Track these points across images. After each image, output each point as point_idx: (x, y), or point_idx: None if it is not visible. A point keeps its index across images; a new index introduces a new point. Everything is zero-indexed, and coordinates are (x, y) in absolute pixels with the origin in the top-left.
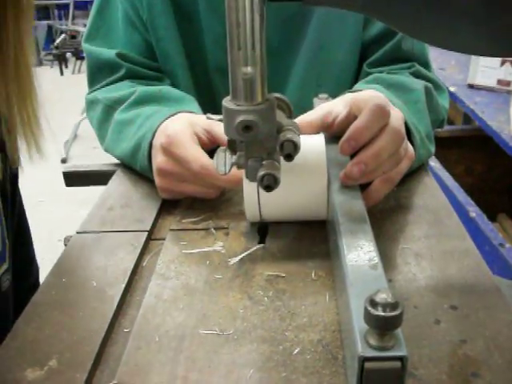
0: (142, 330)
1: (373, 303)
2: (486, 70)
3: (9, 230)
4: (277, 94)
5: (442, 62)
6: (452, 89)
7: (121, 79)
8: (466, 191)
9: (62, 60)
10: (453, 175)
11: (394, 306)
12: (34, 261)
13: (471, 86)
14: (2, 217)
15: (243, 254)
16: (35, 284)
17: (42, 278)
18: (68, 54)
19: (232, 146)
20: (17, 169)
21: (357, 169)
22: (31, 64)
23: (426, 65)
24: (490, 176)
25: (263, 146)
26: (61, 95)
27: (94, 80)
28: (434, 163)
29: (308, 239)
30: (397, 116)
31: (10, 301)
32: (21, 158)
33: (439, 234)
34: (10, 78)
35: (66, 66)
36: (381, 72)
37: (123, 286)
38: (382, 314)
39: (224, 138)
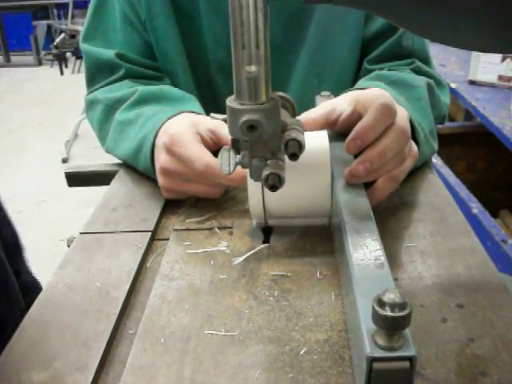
0: (147, 332)
1: (381, 303)
2: (487, 66)
3: None
4: (280, 93)
5: (443, 59)
6: (453, 85)
7: (120, 79)
8: (468, 188)
9: (61, 60)
10: (455, 172)
11: (402, 306)
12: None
13: (472, 83)
14: None
15: (248, 254)
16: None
17: (45, 279)
18: (68, 54)
19: (236, 146)
20: None
21: (362, 167)
22: None
23: (426, 61)
24: (491, 172)
25: (267, 146)
26: (61, 95)
27: (93, 80)
28: (435, 160)
29: (312, 237)
30: (402, 115)
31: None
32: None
33: (444, 232)
34: None
35: (66, 66)
36: (381, 69)
37: (127, 287)
38: (391, 314)
39: (229, 139)
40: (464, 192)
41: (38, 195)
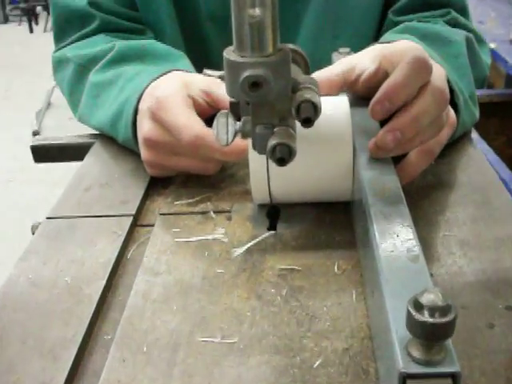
0: (126, 338)
1: (417, 306)
2: None
3: None
4: (291, 45)
5: (481, 15)
6: (492, 45)
7: (94, 32)
8: (508, 165)
9: (31, 15)
10: (493, 147)
11: (444, 310)
12: None
13: None
14: None
15: (250, 244)
16: None
17: (6, 273)
18: (38, 8)
19: (235, 110)
20: None
21: (391, 137)
22: None
23: (463, 12)
24: None
25: (275, 109)
26: (31, 57)
27: (61, 35)
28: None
29: (329, 224)
30: (439, 73)
31: None
32: None
33: (488, 218)
34: None
35: (37, 23)
36: (410, 20)
37: (103, 282)
38: (430, 320)
39: (227, 100)
40: (504, 171)
41: (4, 174)
